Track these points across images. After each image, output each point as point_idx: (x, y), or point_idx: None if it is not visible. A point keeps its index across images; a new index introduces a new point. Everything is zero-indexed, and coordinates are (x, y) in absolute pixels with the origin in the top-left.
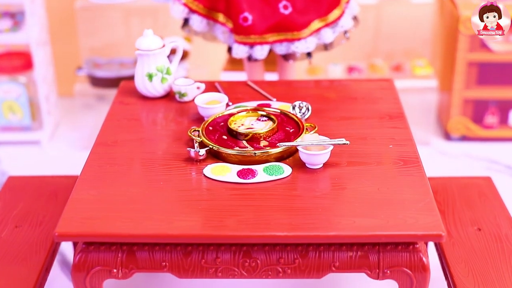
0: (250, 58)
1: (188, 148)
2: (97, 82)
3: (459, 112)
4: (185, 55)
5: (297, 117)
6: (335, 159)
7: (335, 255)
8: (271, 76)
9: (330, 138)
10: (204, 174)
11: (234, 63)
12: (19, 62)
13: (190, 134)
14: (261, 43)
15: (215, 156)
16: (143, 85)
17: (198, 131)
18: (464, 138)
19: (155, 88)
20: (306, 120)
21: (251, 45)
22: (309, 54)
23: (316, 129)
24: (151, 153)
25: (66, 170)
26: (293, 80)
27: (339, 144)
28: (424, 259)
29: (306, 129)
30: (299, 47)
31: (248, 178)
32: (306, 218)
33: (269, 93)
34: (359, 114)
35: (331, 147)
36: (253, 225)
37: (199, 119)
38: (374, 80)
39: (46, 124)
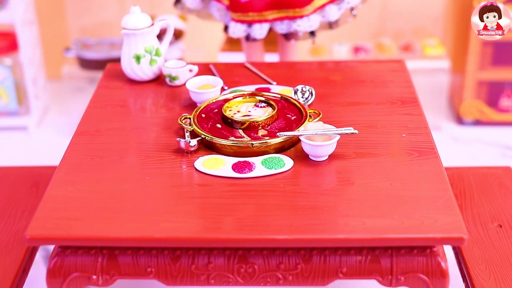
0: (248, 38)
1: (177, 138)
2: (86, 64)
3: (473, 94)
4: (180, 34)
5: (299, 103)
6: (342, 150)
7: (342, 260)
8: (272, 57)
9: (336, 127)
10: (195, 168)
11: (232, 43)
12: (3, 43)
13: (180, 123)
14: (260, 21)
15: (208, 147)
16: (130, 67)
17: (190, 118)
18: (477, 123)
19: (143, 71)
20: (309, 106)
21: (249, 24)
22: (312, 33)
23: (320, 116)
24: (137, 144)
25: (55, 158)
26: (295, 61)
27: (346, 133)
28: (442, 263)
29: (310, 116)
30: (302, 25)
31: (245, 172)
32: (309, 218)
33: (269, 75)
34: (368, 99)
35: (338, 137)
36: (249, 227)
37: (192, 105)
38: (383, 61)
39: (34, 109)
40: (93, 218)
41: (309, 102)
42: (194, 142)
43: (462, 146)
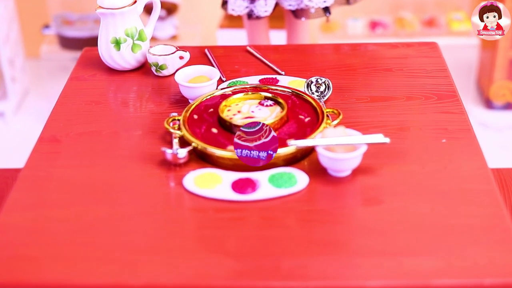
0: (250, 16)
1: (163, 148)
2: (67, 43)
3: (504, 75)
4: (173, 9)
5: (314, 100)
6: (367, 160)
7: None
8: (278, 35)
9: (360, 130)
10: (184, 187)
11: (233, 19)
12: None
13: (167, 126)
14: None
15: (201, 158)
16: (108, 54)
17: (179, 120)
18: (509, 107)
19: (124, 59)
20: (325, 102)
21: None
22: (326, 10)
23: (340, 117)
24: (113, 153)
25: None
26: (306, 44)
27: (374, 142)
28: None
29: (327, 116)
30: (314, 0)
31: (247, 193)
32: (330, 258)
33: (276, 62)
34: (396, 93)
35: (365, 147)
36: (253, 270)
37: (184, 100)
38: (412, 44)
39: (11, 93)
40: (54, 257)
41: (326, 98)
42: (183, 153)
43: (491, 133)
